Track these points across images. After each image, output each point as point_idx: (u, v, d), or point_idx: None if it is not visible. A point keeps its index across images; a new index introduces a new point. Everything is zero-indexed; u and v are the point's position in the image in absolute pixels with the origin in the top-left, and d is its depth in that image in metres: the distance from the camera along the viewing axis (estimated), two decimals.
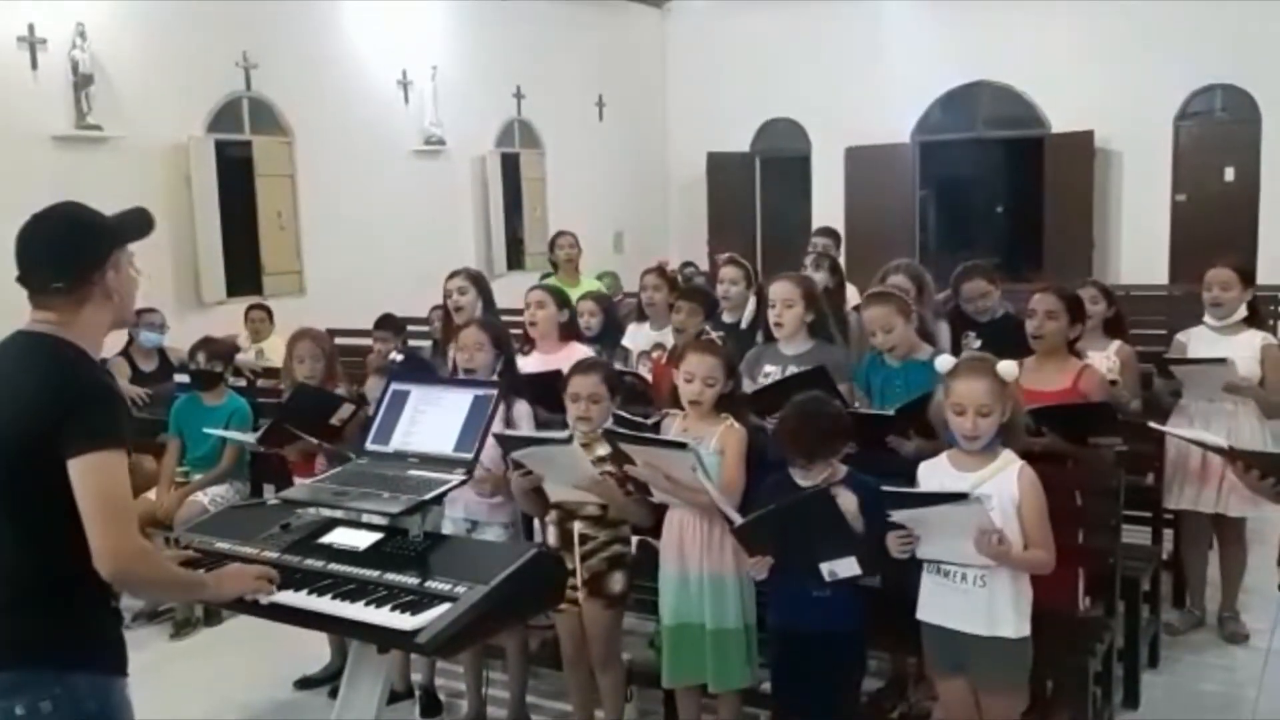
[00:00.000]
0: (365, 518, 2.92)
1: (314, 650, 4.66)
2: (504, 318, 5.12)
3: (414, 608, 2.48)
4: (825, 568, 3.14)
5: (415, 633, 2.42)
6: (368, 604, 2.53)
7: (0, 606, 2.28)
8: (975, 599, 3.11)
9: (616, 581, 3.69)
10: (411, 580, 2.59)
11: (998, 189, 15.98)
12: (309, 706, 4.54)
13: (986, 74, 13.62)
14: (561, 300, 4.93)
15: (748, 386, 4.15)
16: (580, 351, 4.63)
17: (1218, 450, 3.28)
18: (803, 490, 3.25)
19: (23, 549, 2.28)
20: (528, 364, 4.64)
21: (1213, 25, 11.97)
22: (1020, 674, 3.19)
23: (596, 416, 3.67)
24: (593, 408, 3.67)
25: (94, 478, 2.20)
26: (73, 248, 2.37)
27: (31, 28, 8.30)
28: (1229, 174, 12.74)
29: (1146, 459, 4.61)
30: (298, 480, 4.47)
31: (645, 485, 3.53)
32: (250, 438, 5.09)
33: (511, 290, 7.44)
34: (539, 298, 4.88)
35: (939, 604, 3.20)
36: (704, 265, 11.10)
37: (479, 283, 5.39)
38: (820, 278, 5.29)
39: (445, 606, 2.47)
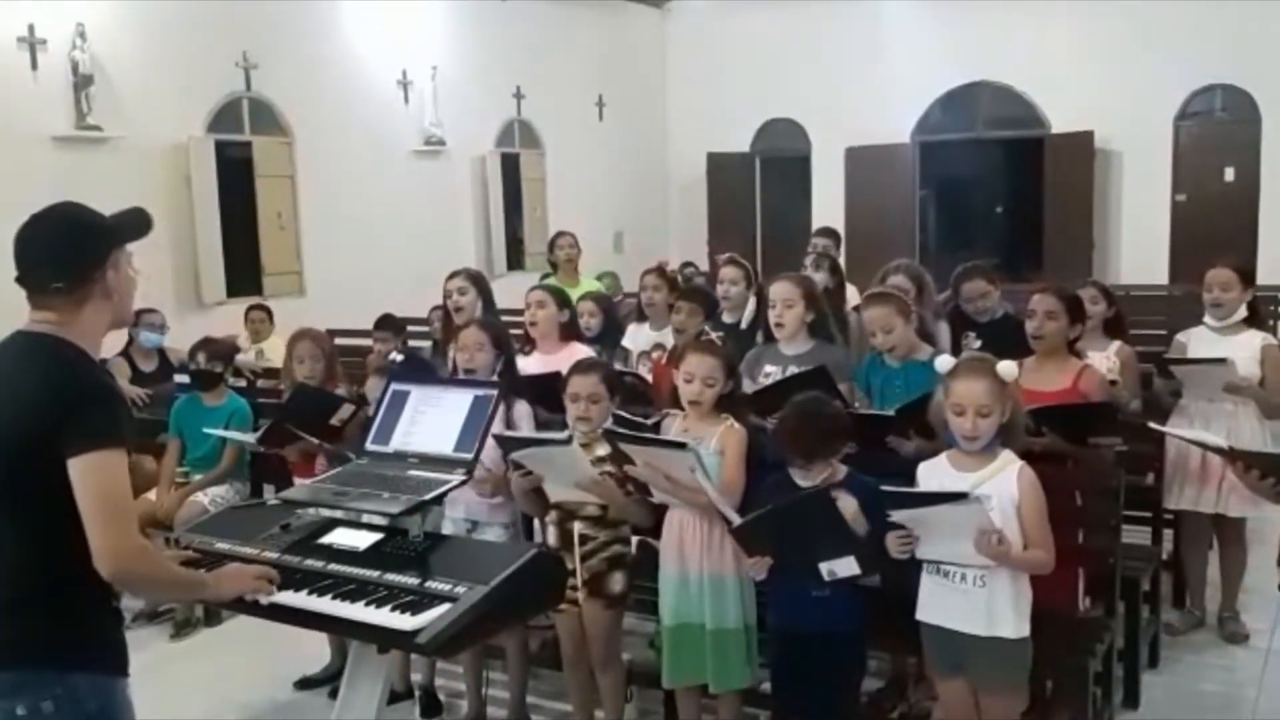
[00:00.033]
0: (365, 518, 2.92)
1: (314, 651, 4.66)
2: (504, 318, 5.12)
3: (414, 608, 2.48)
4: (824, 567, 3.14)
5: (415, 633, 2.42)
6: (368, 604, 2.53)
7: (3, 607, 2.28)
8: (975, 599, 3.11)
9: (616, 582, 3.69)
10: (411, 580, 2.59)
11: (998, 189, 15.99)
12: (309, 707, 4.54)
13: (986, 74, 13.62)
14: (562, 300, 4.93)
15: (748, 387, 4.15)
16: (581, 352, 4.63)
17: (1218, 451, 3.28)
18: (802, 490, 3.25)
19: (23, 549, 2.28)
20: (528, 364, 4.64)
21: (1213, 25, 11.97)
22: (1020, 674, 3.19)
23: (596, 416, 3.67)
24: (592, 408, 3.67)
25: (94, 477, 2.21)
26: (72, 248, 2.38)
27: (31, 28, 8.30)
28: (1229, 174, 12.75)
29: (1146, 459, 4.61)
30: (298, 480, 4.47)
31: (645, 485, 3.53)
32: (250, 438, 5.09)
33: (511, 290, 7.44)
34: (539, 298, 4.88)
35: (938, 604, 3.20)
36: (704, 265, 11.10)
37: (479, 283, 5.39)
38: (820, 278, 5.29)
39: (445, 607, 2.47)
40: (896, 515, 3.07)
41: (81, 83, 8.52)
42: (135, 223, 2.49)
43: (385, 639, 2.56)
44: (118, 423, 2.29)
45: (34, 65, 8.34)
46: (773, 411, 3.61)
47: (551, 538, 3.73)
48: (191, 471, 5.54)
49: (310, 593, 2.61)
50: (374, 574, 2.65)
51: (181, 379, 5.89)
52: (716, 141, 15.16)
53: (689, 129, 15.26)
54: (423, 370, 4.87)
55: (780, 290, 4.41)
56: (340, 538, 2.85)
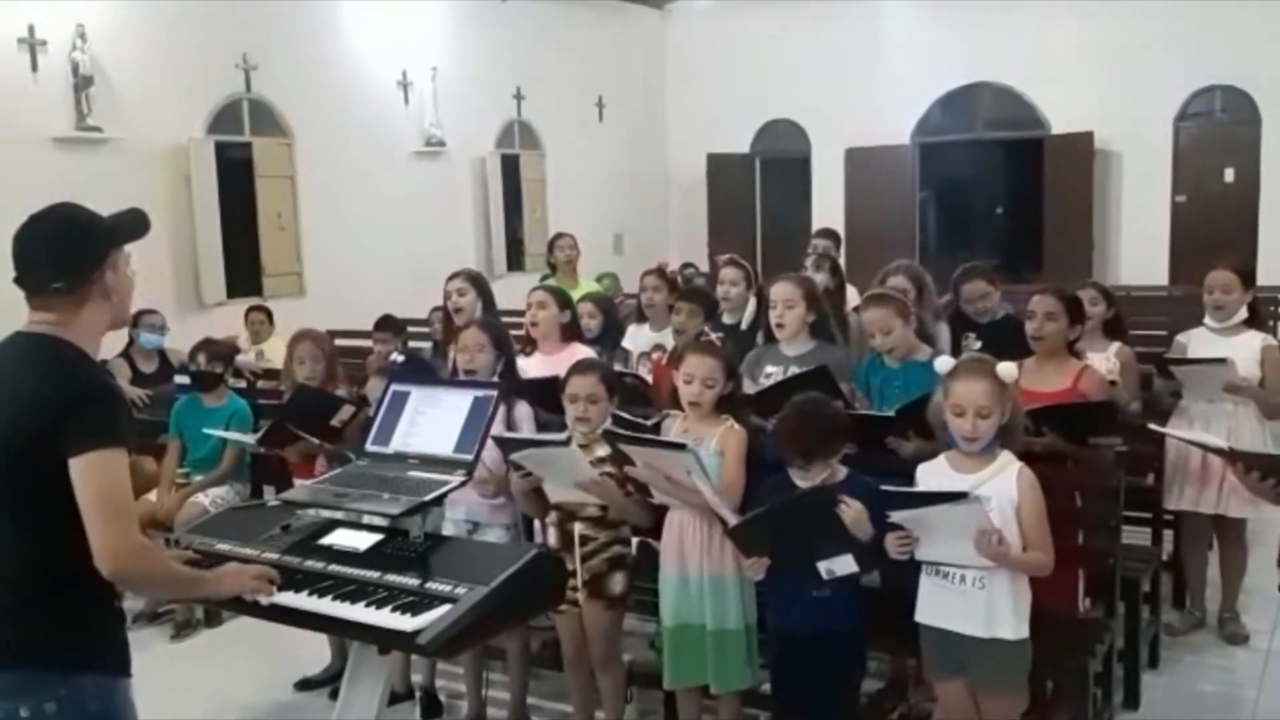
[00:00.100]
0: (366, 519, 2.92)
1: (314, 652, 4.67)
2: (504, 319, 5.12)
3: (414, 609, 2.48)
4: (823, 566, 3.15)
5: (416, 634, 2.42)
6: (368, 605, 2.53)
7: (3, 608, 2.28)
8: (974, 600, 3.11)
9: (617, 582, 3.70)
10: (412, 581, 2.59)
11: (997, 190, 15.99)
12: (309, 708, 4.54)
13: (986, 75, 13.62)
14: (563, 301, 4.93)
15: (749, 387, 4.16)
16: (582, 352, 4.63)
17: (1218, 452, 3.28)
18: (799, 490, 3.25)
19: (25, 550, 2.28)
20: (529, 365, 4.65)
21: (1213, 26, 11.97)
22: (1019, 675, 3.19)
23: (595, 417, 3.67)
24: (591, 408, 3.67)
25: (95, 476, 2.21)
26: (71, 248, 2.38)
27: (31, 29, 8.30)
28: (1229, 175, 12.74)
29: (1146, 460, 4.61)
30: (298, 481, 4.47)
31: (645, 486, 3.53)
32: (250, 439, 5.09)
33: (511, 291, 7.45)
34: (540, 298, 4.88)
35: (938, 605, 3.20)
36: (704, 266, 11.11)
37: (479, 284, 5.39)
38: (820, 279, 5.29)
39: (446, 608, 2.47)
40: (896, 515, 3.07)
41: (82, 84, 8.52)
42: (133, 223, 2.49)
43: (386, 640, 2.57)
44: (118, 422, 2.30)
45: (34, 66, 8.34)
46: (774, 412, 3.61)
47: (552, 539, 3.73)
48: (192, 472, 5.55)
49: (311, 594, 2.61)
50: (374, 575, 2.65)
51: (182, 380, 5.90)
52: (716, 142, 15.16)
53: (689, 130, 15.26)
54: (423, 371, 4.87)
55: (781, 291, 4.42)
56: (341, 539, 2.85)
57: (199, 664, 5.04)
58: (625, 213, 14.39)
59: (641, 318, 5.81)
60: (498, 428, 3.53)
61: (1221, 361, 4.50)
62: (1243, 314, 4.75)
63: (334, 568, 2.71)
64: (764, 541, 3.21)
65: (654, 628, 4.00)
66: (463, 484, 3.04)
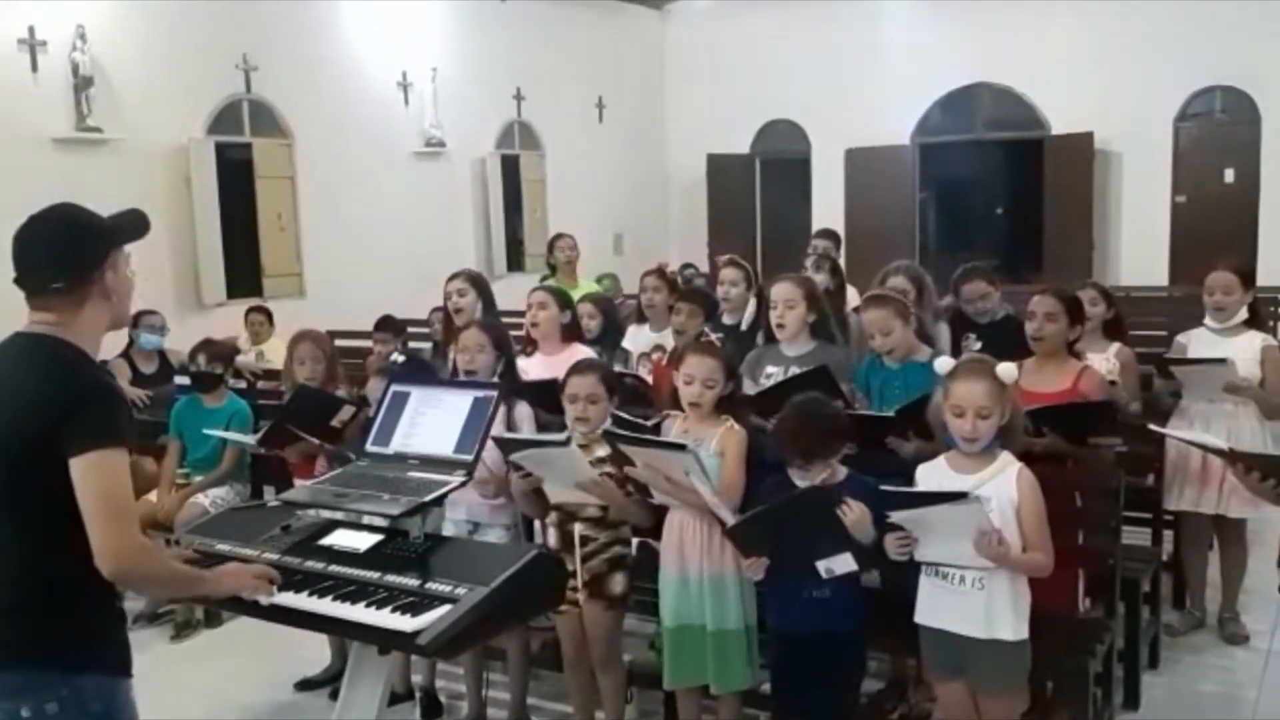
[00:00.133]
0: (366, 519, 2.93)
1: (314, 652, 4.67)
2: (504, 319, 5.12)
3: (414, 609, 2.48)
4: (821, 565, 3.14)
5: (416, 634, 2.42)
6: (368, 605, 2.53)
7: (5, 608, 2.28)
8: (973, 601, 3.11)
9: (617, 583, 3.70)
10: (412, 582, 2.60)
11: (997, 191, 15.99)
12: (310, 708, 4.54)
13: (986, 75, 13.61)
14: (563, 301, 4.93)
15: (750, 388, 4.16)
16: (582, 353, 4.63)
17: (1218, 452, 3.28)
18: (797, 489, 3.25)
19: (26, 550, 2.28)
20: (530, 365, 4.65)
21: (1212, 26, 11.97)
22: (1019, 676, 3.19)
23: (595, 417, 3.68)
24: (590, 408, 3.67)
25: (95, 476, 2.21)
26: (71, 248, 2.38)
27: (32, 30, 8.31)
28: (1229, 175, 12.74)
29: (1146, 460, 4.61)
30: (298, 482, 4.47)
31: (645, 486, 3.53)
32: (251, 439, 5.10)
33: (512, 292, 7.46)
34: (541, 299, 4.88)
35: (937, 607, 3.20)
36: (704, 267, 11.11)
37: (479, 284, 5.39)
38: (821, 279, 5.29)
39: (446, 608, 2.47)
40: (895, 516, 3.07)
41: (82, 84, 8.53)
42: (133, 224, 2.50)
43: (386, 640, 2.57)
44: (118, 422, 2.30)
45: (34, 67, 8.34)
46: (775, 412, 3.61)
47: (552, 539, 3.73)
48: (192, 473, 5.55)
49: (311, 594, 2.61)
50: (374, 575, 2.65)
51: (182, 381, 5.90)
52: (716, 143, 15.16)
53: (689, 130, 15.26)
54: (423, 372, 4.87)
55: (782, 291, 4.42)
56: (341, 539, 2.85)
57: (199, 664, 5.04)
58: (625, 213, 14.39)
59: (641, 318, 5.81)
60: (498, 428, 3.53)
61: (1222, 362, 4.50)
62: (1243, 314, 4.75)
63: (334, 568, 2.72)
64: (762, 541, 3.21)
65: (654, 628, 4.00)
66: (463, 484, 3.04)
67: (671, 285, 5.83)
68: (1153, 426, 3.98)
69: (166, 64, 9.23)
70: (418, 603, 2.51)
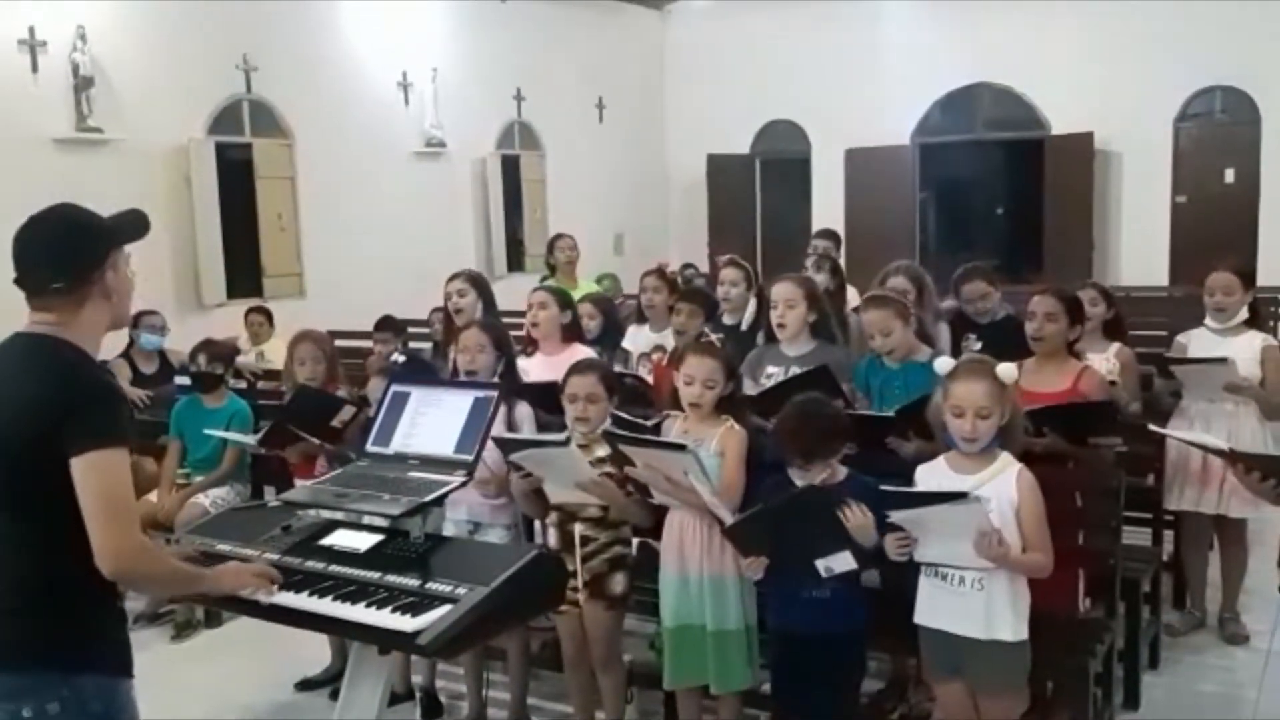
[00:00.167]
0: (366, 519, 2.93)
1: (315, 652, 4.67)
2: (504, 319, 5.12)
3: (415, 609, 2.48)
4: (821, 564, 3.14)
5: (416, 634, 2.42)
6: (369, 606, 2.53)
7: (7, 609, 2.28)
8: (973, 602, 3.11)
9: (618, 583, 3.70)
10: (412, 582, 2.59)
11: (998, 191, 15.99)
12: (310, 708, 4.54)
13: (986, 76, 13.62)
14: (564, 301, 4.93)
15: (750, 387, 4.16)
16: (583, 353, 4.63)
17: (1218, 453, 3.28)
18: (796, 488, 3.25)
19: (27, 551, 2.28)
20: (531, 365, 4.65)
21: (1213, 26, 11.97)
22: (1018, 677, 3.18)
23: (594, 416, 3.68)
24: (590, 408, 3.67)
25: (96, 476, 2.21)
26: (71, 249, 2.38)
27: (32, 30, 8.31)
28: (1229, 175, 12.74)
29: (1147, 460, 4.61)
30: (298, 482, 4.48)
31: (645, 486, 3.54)
32: (251, 439, 5.10)
33: (512, 292, 7.46)
34: (541, 299, 4.88)
35: (936, 607, 3.20)
36: (704, 267, 11.11)
37: (479, 285, 5.39)
38: (821, 280, 5.29)
39: (446, 608, 2.47)
40: (895, 516, 3.07)
41: (82, 85, 8.53)
42: (133, 224, 2.50)
43: (386, 640, 2.57)
44: (119, 422, 2.30)
45: (34, 67, 8.35)
46: (776, 413, 3.61)
47: (552, 539, 3.73)
48: (192, 473, 5.55)
49: (311, 594, 2.61)
50: (375, 575, 2.65)
51: (182, 381, 5.90)
52: (716, 143, 15.16)
53: (689, 131, 15.26)
54: (423, 372, 4.87)
55: (782, 291, 4.42)
56: (341, 539, 2.85)
57: (199, 664, 5.04)
58: (625, 213, 14.40)
59: (642, 318, 5.81)
60: (498, 428, 3.53)
61: (1222, 361, 4.50)
62: (1243, 314, 4.76)
63: (334, 568, 2.71)
64: (761, 541, 3.21)
65: (654, 628, 4.00)
66: (463, 484, 3.04)
67: (672, 285, 5.83)
68: (1153, 427, 3.99)
69: (167, 64, 9.23)
70: (418, 603, 2.50)
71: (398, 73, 11.51)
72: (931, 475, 3.24)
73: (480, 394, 3.20)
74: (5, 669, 2.26)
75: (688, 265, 9.80)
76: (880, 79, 13.88)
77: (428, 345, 6.42)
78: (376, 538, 2.83)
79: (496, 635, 3.52)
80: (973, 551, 2.99)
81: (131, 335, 6.66)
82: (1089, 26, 12.65)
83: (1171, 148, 12.87)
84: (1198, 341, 4.80)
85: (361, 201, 10.83)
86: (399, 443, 3.18)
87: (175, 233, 9.21)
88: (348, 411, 4.42)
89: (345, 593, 2.60)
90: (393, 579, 2.62)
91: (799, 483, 3.27)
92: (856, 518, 3.08)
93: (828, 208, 14.02)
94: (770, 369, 4.38)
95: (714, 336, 4.58)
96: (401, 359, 5.40)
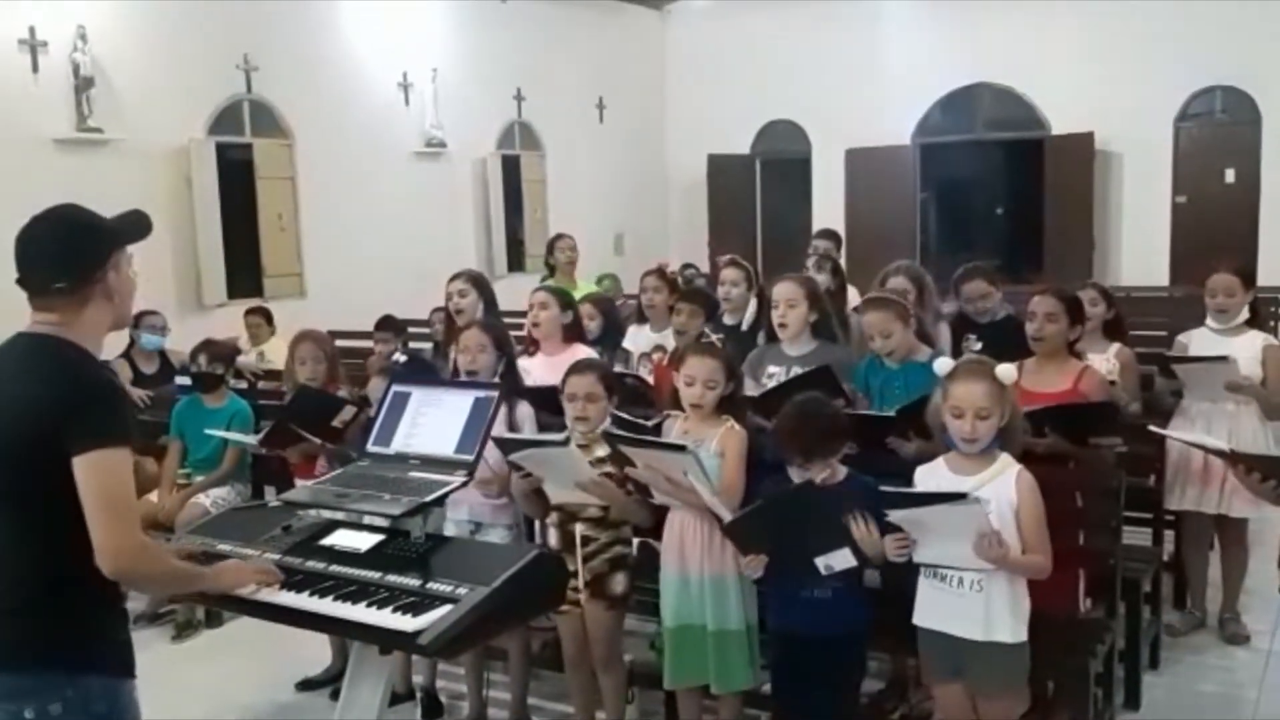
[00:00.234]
0: (367, 519, 2.93)
1: (315, 652, 4.67)
2: (504, 319, 5.12)
3: (416, 609, 2.48)
4: (821, 562, 3.14)
5: (417, 634, 2.42)
6: (369, 605, 2.53)
7: (9, 609, 2.28)
8: (972, 604, 3.10)
9: (618, 583, 3.70)
10: (413, 582, 2.60)
11: (998, 191, 15.99)
12: (311, 708, 4.54)
13: (986, 76, 13.62)
14: (565, 302, 4.93)
15: (751, 387, 4.16)
16: (584, 353, 4.63)
17: (1218, 453, 3.28)
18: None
19: (29, 551, 2.29)
20: (532, 366, 4.65)
21: (1213, 26, 11.98)
22: (1017, 678, 3.18)
23: (594, 416, 3.68)
24: (590, 407, 3.68)
25: (98, 475, 2.22)
26: (73, 249, 2.39)
27: (32, 30, 8.31)
28: (1229, 176, 12.74)
29: (1147, 460, 4.61)
30: (299, 482, 4.48)
31: (646, 486, 3.54)
32: (252, 439, 5.10)
33: (512, 292, 7.46)
34: (542, 299, 4.88)
35: (935, 608, 3.19)
36: (705, 267, 11.10)
37: (480, 285, 5.40)
38: (822, 280, 5.29)
39: (447, 608, 2.47)
40: (894, 515, 3.07)
41: (82, 85, 8.53)
42: (136, 225, 2.50)
43: (387, 640, 2.57)
44: (122, 421, 2.31)
45: (35, 67, 8.34)
46: (778, 413, 3.61)
47: (553, 539, 3.73)
48: (193, 473, 5.55)
49: (312, 594, 2.61)
50: (375, 575, 2.65)
51: (183, 381, 5.90)
52: (717, 143, 15.16)
53: (689, 131, 15.26)
54: (424, 372, 4.87)
55: (784, 291, 4.43)
56: (342, 539, 2.85)
57: (200, 664, 5.04)
58: (626, 213, 14.40)
59: (642, 318, 5.81)
60: (499, 428, 3.53)
61: (1223, 359, 4.50)
62: (1244, 314, 4.76)
63: (335, 568, 2.71)
64: (761, 538, 3.21)
65: (655, 628, 4.00)
66: (464, 485, 3.04)
67: (672, 285, 5.84)
68: (1153, 428, 3.99)
69: (167, 64, 9.23)
70: (419, 603, 2.50)
71: (398, 73, 11.51)
72: (931, 476, 3.24)
73: (481, 394, 3.20)
74: (7, 669, 2.26)
75: (688, 265, 9.79)
76: (880, 79, 13.88)
77: (428, 345, 6.42)
78: (377, 538, 2.84)
79: (497, 635, 3.52)
80: (972, 553, 2.99)
81: (132, 335, 6.66)
82: (1089, 26, 12.65)
83: (1172, 148, 12.87)
84: (1198, 341, 4.80)
85: (362, 201, 10.83)
86: (400, 443, 3.18)
87: (176, 233, 9.21)
88: (348, 411, 4.42)
89: (346, 593, 2.60)
90: (393, 579, 2.62)
91: (798, 481, 3.27)
92: (861, 531, 3.08)
93: (828, 208, 14.02)
94: (771, 369, 4.39)
95: (714, 337, 4.60)
96: (402, 359, 5.40)
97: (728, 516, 3.28)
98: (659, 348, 5.56)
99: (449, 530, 3.90)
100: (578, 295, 5.84)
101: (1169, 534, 4.91)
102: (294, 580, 2.66)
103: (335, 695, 4.06)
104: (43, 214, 2.41)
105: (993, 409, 3.11)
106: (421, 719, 4.38)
